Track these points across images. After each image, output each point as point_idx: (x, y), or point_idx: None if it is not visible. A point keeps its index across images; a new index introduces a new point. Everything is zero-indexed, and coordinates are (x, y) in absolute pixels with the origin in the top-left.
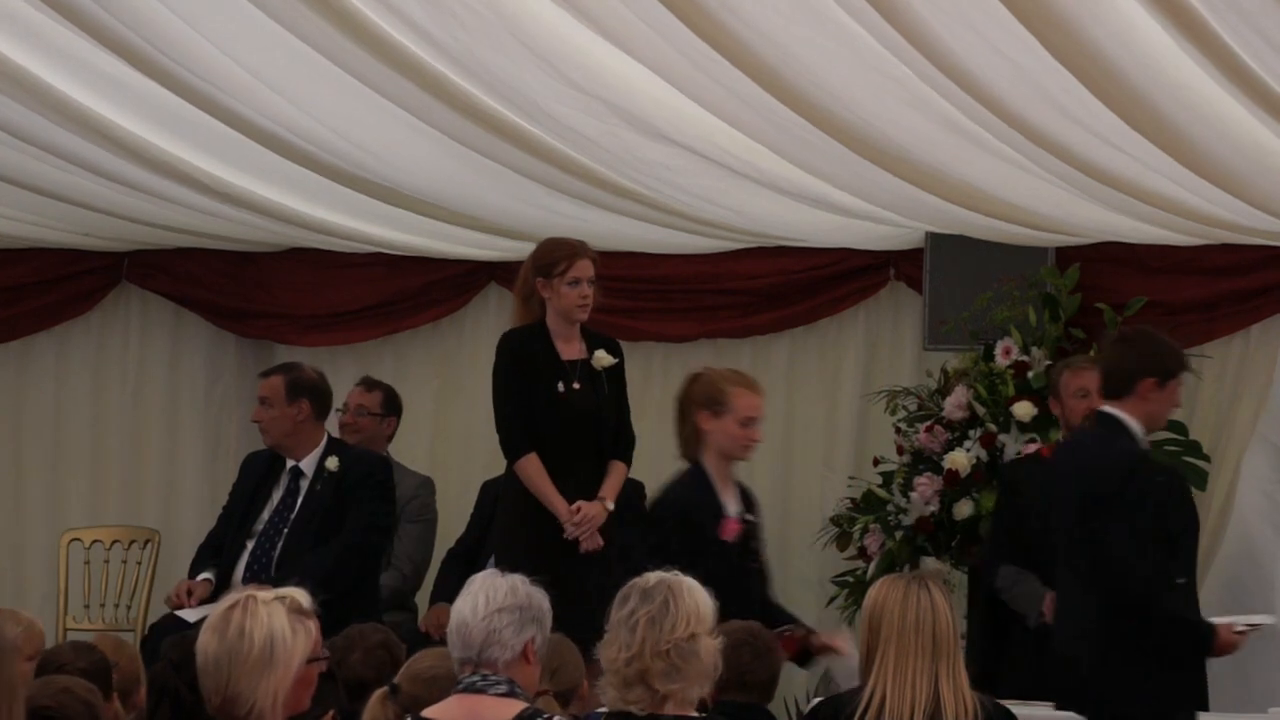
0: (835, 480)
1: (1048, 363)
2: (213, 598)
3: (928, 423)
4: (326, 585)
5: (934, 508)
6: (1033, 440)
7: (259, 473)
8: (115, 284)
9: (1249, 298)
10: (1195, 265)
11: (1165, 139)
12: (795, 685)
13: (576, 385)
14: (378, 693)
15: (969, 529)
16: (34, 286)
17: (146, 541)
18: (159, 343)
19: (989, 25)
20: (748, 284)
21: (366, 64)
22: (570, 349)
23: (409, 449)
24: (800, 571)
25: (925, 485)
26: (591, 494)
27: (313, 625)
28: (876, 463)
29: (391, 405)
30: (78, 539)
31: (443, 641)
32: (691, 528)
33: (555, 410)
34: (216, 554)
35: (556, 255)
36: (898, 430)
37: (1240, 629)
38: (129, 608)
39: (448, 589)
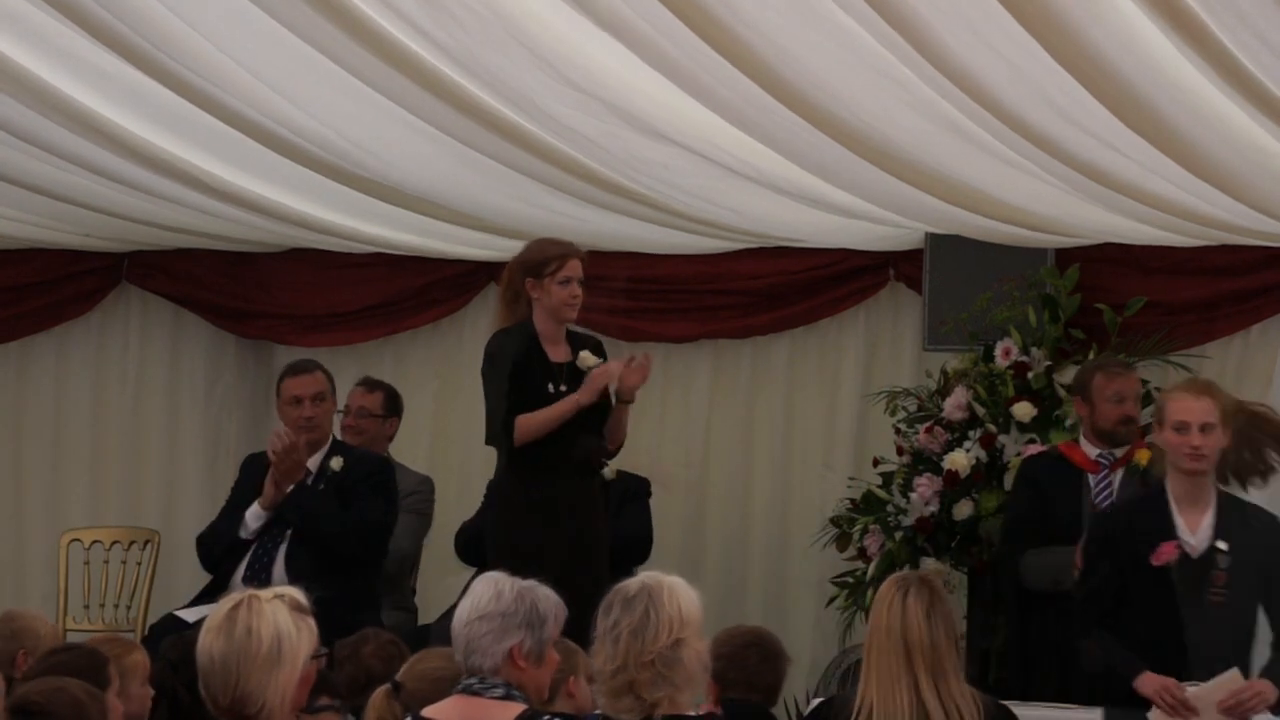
0: (835, 481)
1: (1047, 363)
2: (212, 599)
3: (927, 423)
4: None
5: (934, 508)
6: (1032, 441)
7: (260, 473)
8: (115, 284)
9: (1249, 298)
10: (1195, 266)
11: (1164, 140)
12: (795, 685)
13: (564, 387)
14: (381, 689)
15: (969, 530)
16: (34, 287)
17: (146, 542)
18: (159, 343)
19: (989, 26)
20: (748, 284)
21: (366, 63)
22: (557, 351)
23: (409, 449)
24: (800, 572)
25: (925, 486)
26: (580, 492)
27: (312, 622)
28: (876, 463)
29: (393, 405)
30: (77, 539)
31: None
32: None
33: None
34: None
35: (548, 254)
36: (897, 431)
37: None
38: (129, 608)
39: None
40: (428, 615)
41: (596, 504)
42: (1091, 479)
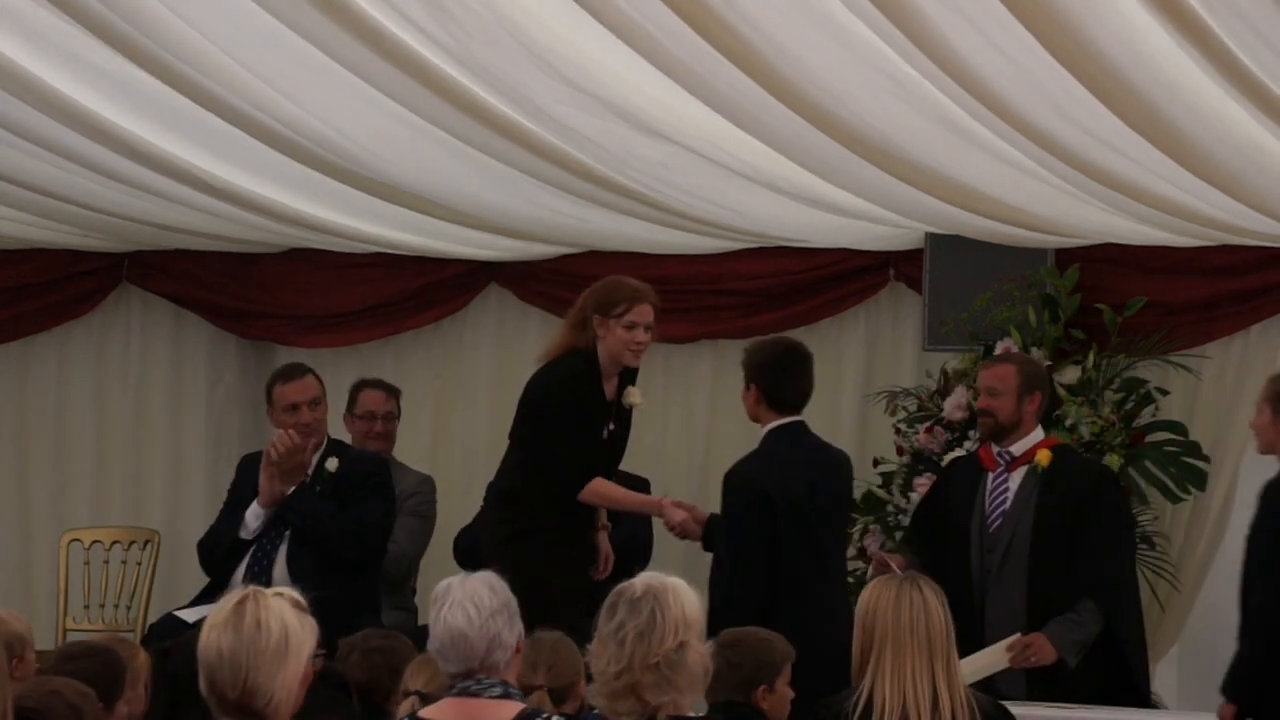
0: None
1: (1047, 363)
2: (212, 599)
3: (927, 423)
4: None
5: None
6: None
7: (258, 474)
8: (116, 284)
9: (1249, 298)
10: (1195, 266)
11: (1165, 140)
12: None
13: (613, 427)
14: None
15: None
16: (35, 287)
17: (146, 542)
18: (160, 343)
19: (990, 25)
20: (748, 284)
21: (367, 61)
22: (609, 387)
23: (409, 449)
24: None
25: (925, 486)
26: (594, 512)
27: (313, 620)
28: (876, 463)
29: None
30: (78, 539)
31: None
32: None
33: (598, 455)
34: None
35: (618, 295)
36: (897, 431)
37: None
38: (129, 608)
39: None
40: (428, 615)
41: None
42: (990, 477)
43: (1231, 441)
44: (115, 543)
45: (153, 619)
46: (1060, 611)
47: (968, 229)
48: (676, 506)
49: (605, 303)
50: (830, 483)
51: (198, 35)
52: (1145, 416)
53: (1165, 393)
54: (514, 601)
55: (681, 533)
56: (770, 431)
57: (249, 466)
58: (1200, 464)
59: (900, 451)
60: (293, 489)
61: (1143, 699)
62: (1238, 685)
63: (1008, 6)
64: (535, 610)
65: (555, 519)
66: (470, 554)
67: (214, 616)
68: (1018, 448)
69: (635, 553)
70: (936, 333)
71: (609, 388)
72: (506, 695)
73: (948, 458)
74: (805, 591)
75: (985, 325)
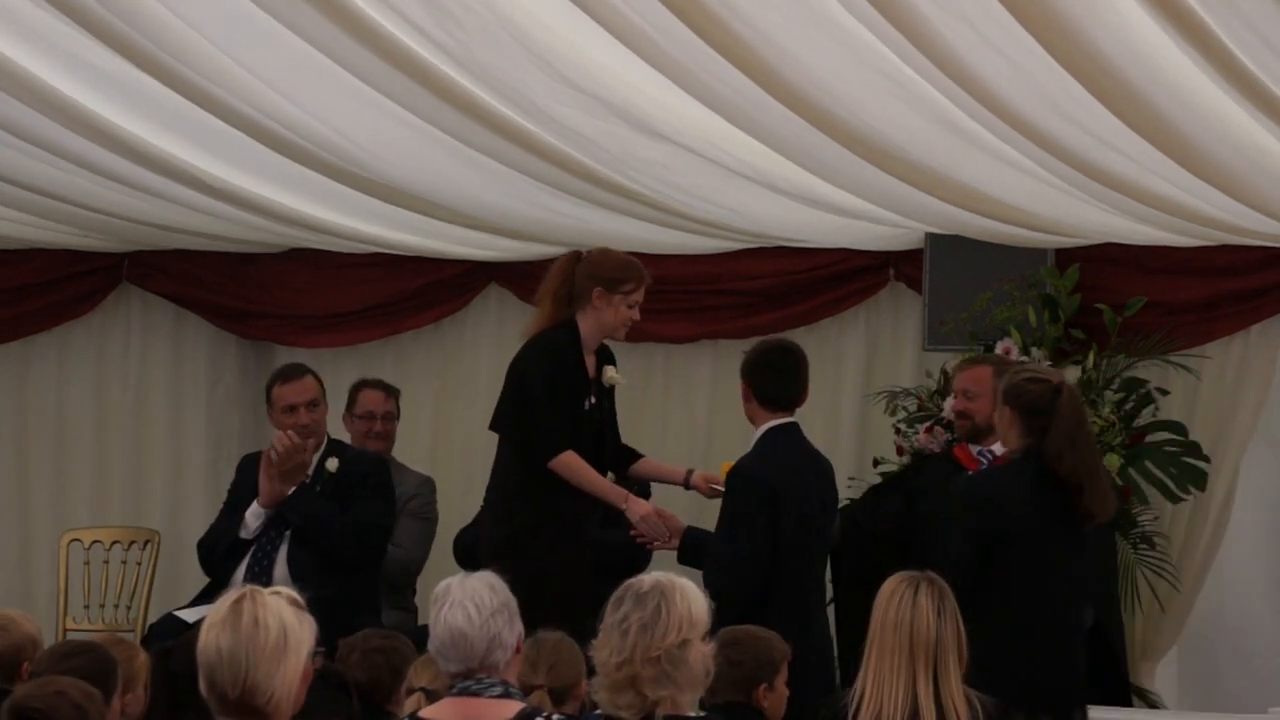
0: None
1: (1048, 363)
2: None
3: (927, 423)
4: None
5: None
6: None
7: (257, 474)
8: (116, 285)
9: (1249, 298)
10: (1195, 265)
11: (1164, 140)
12: None
13: (593, 400)
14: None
15: None
16: (35, 287)
17: (146, 542)
18: (160, 344)
19: (989, 25)
20: (748, 284)
21: (366, 62)
22: (590, 363)
23: (409, 449)
24: None
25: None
26: (589, 502)
27: (311, 619)
28: (876, 463)
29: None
30: (77, 539)
31: None
32: None
33: (579, 426)
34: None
35: (627, 274)
36: (897, 431)
37: None
38: (129, 608)
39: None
40: (428, 615)
41: (597, 509)
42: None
43: (1231, 441)
44: (115, 543)
45: (153, 619)
46: None
47: (968, 229)
48: (646, 507)
49: (611, 279)
50: (825, 489)
51: (197, 36)
52: (1145, 416)
53: (1165, 393)
54: (514, 601)
55: (646, 535)
56: (767, 432)
57: (249, 466)
58: (1200, 464)
59: (900, 451)
60: (293, 490)
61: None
62: None
63: (1006, 7)
64: (536, 610)
65: (552, 513)
66: (470, 554)
67: (212, 616)
68: (999, 447)
69: (636, 554)
70: (936, 333)
71: (590, 363)
72: (506, 695)
73: None
74: (795, 591)
75: (985, 325)
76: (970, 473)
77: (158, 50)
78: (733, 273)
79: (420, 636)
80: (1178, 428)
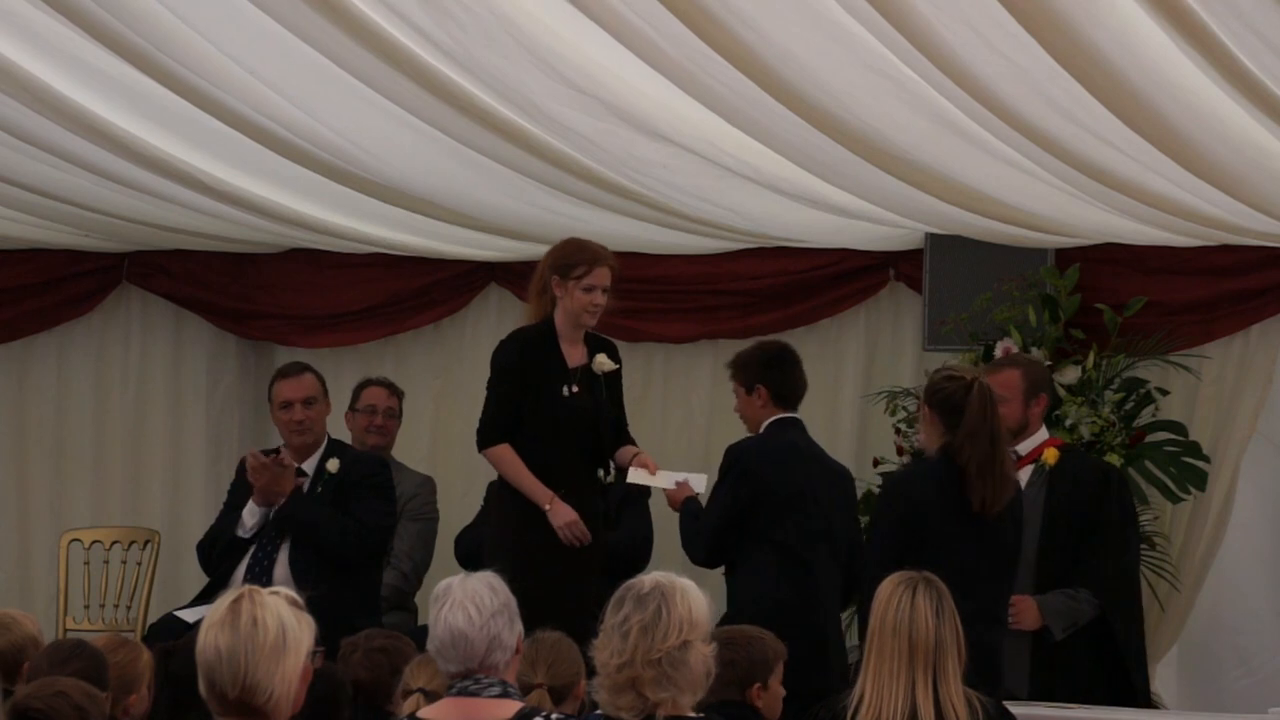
0: None
1: (1048, 363)
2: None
3: None
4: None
5: None
6: None
7: None
8: (115, 285)
9: (1249, 298)
10: (1195, 265)
11: (1164, 140)
12: None
13: (576, 389)
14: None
15: None
16: (34, 287)
17: (146, 542)
18: (160, 344)
19: (989, 26)
20: (748, 284)
21: (366, 63)
22: (575, 353)
23: (409, 449)
24: None
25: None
26: (586, 498)
27: (310, 618)
28: (876, 463)
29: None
30: (77, 539)
31: None
32: None
33: (557, 413)
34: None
35: (577, 258)
36: (897, 431)
37: None
38: (129, 608)
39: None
40: (428, 615)
41: (596, 507)
42: None
43: (1231, 441)
44: (115, 543)
45: (153, 619)
46: None
47: (968, 229)
48: (568, 515)
49: (563, 265)
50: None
51: (197, 37)
52: (1145, 416)
53: (1165, 393)
54: (514, 602)
55: (568, 536)
56: (774, 423)
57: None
58: (1200, 464)
59: (900, 451)
60: (291, 495)
61: (1140, 697)
62: None
63: (1006, 7)
64: (535, 609)
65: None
66: (470, 559)
67: (211, 616)
68: (1023, 447)
69: (636, 554)
70: (936, 333)
71: (574, 352)
72: (505, 694)
73: None
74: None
75: (985, 325)
76: (893, 471)
77: (157, 52)
78: (733, 273)
79: (420, 637)
80: (1178, 428)
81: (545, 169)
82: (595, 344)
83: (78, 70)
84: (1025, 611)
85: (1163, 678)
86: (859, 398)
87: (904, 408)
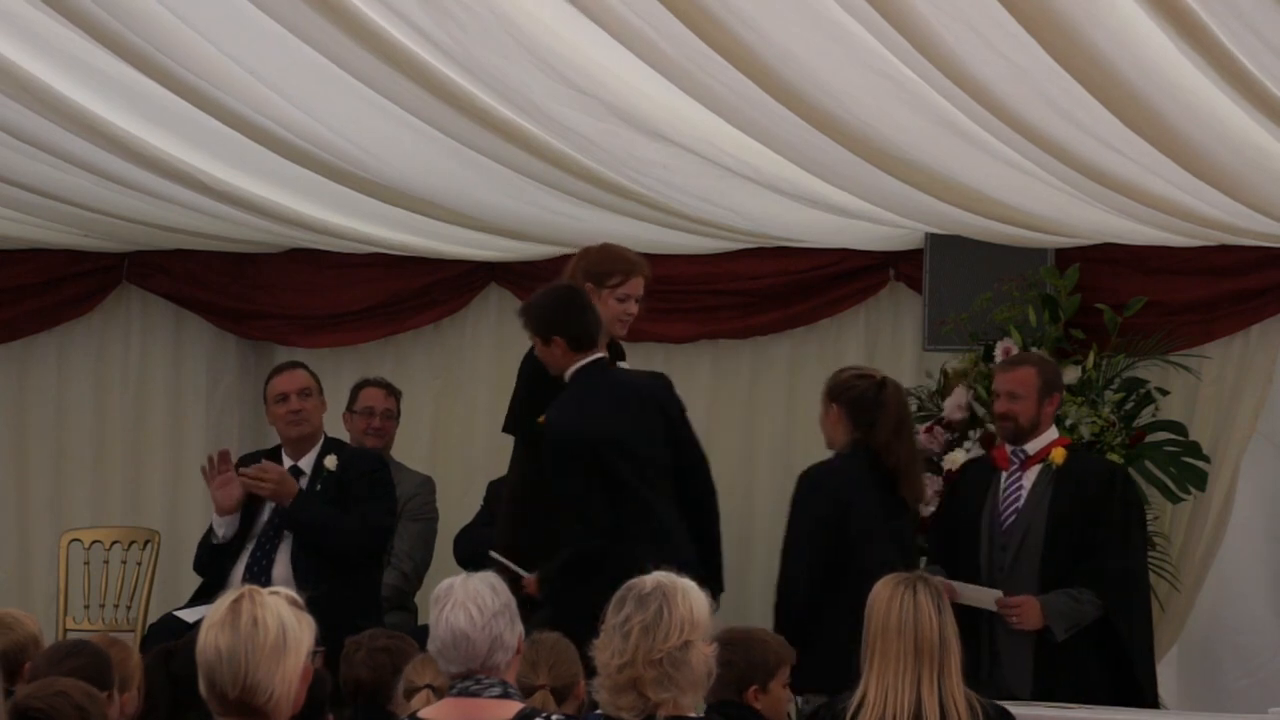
0: None
1: None
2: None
3: (928, 423)
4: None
5: (934, 508)
6: None
7: None
8: (115, 285)
9: (1249, 298)
10: (1195, 266)
11: (1164, 141)
12: None
13: None
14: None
15: None
16: (34, 287)
17: (146, 542)
18: (160, 344)
19: (989, 27)
20: (748, 284)
21: (366, 63)
22: None
23: (409, 449)
24: None
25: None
26: None
27: (309, 618)
28: None
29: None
30: (77, 539)
31: None
32: None
33: None
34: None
35: (614, 266)
36: None
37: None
38: (129, 608)
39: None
40: (428, 615)
41: None
42: (1002, 477)
43: (1231, 441)
44: (115, 543)
45: (153, 619)
46: None
47: (968, 229)
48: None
49: (600, 273)
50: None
51: (197, 37)
52: (1145, 416)
53: (1165, 393)
54: (514, 603)
55: None
56: (578, 371)
57: (246, 466)
58: (1200, 464)
59: None
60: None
61: (1147, 698)
62: None
63: (1006, 8)
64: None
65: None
66: (470, 563)
67: (211, 616)
68: (1032, 446)
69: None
70: (936, 333)
71: None
72: (506, 695)
73: (948, 458)
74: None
75: (985, 325)
76: (809, 467)
77: (157, 52)
78: (733, 273)
79: (421, 636)
80: (1178, 428)
81: (545, 169)
82: (613, 351)
83: (78, 70)
84: (1028, 611)
85: (1163, 678)
86: None
87: None
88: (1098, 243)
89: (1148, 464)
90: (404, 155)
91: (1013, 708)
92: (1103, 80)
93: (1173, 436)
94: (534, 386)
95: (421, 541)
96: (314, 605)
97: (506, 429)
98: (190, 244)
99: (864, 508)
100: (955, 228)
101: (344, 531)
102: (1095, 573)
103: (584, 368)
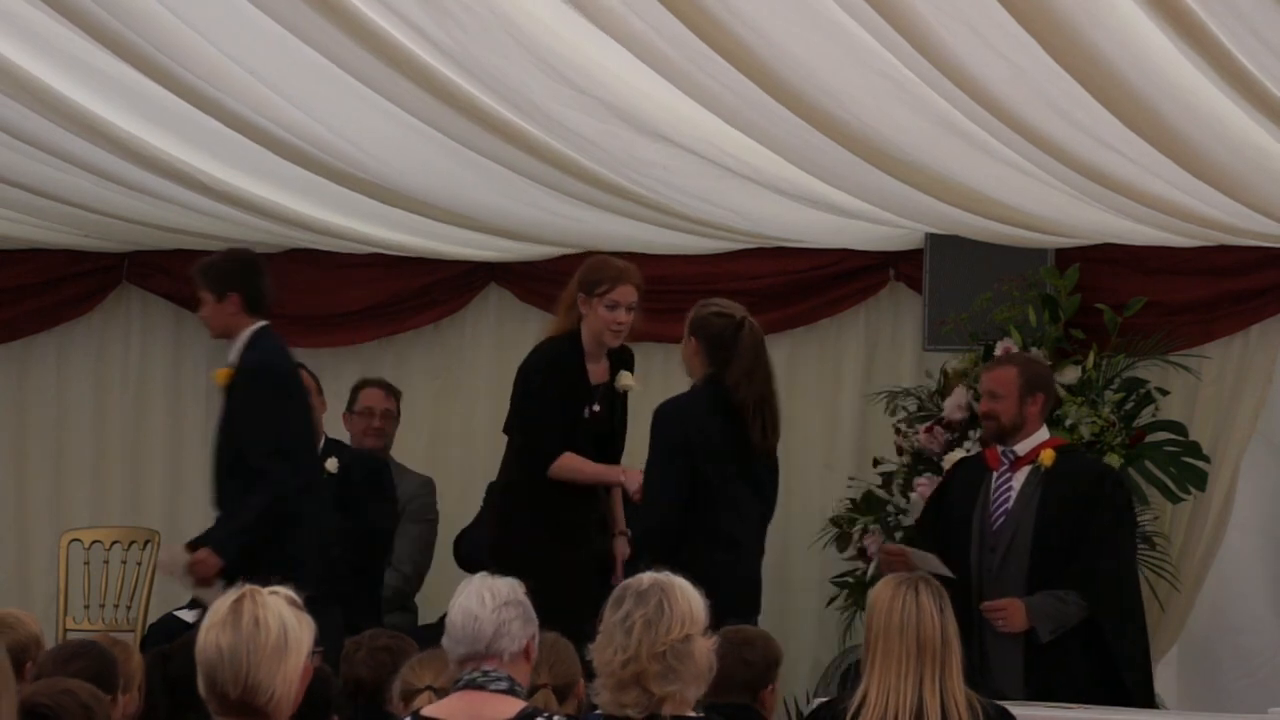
0: (835, 480)
1: (1048, 363)
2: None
3: (927, 423)
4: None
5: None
6: None
7: None
8: (115, 285)
9: (1249, 298)
10: (1195, 266)
11: (1164, 141)
12: (796, 685)
13: (597, 408)
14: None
15: None
16: (34, 287)
17: (146, 542)
18: (160, 343)
19: (989, 27)
20: (748, 284)
21: (366, 64)
22: (597, 370)
23: (409, 449)
24: (800, 572)
25: (925, 486)
26: (598, 513)
27: (309, 617)
28: (876, 463)
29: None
30: (77, 539)
31: None
32: None
33: (578, 434)
34: None
35: (601, 275)
36: (897, 431)
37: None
38: (129, 608)
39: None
40: (428, 616)
41: (595, 514)
42: (993, 477)
43: (1231, 441)
44: (115, 543)
45: (153, 619)
46: None
47: (968, 229)
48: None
49: (588, 281)
50: None
51: (197, 38)
52: (1145, 416)
53: (1165, 393)
54: (531, 609)
55: (635, 488)
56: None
57: None
58: (1200, 464)
59: (900, 451)
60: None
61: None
62: None
63: (1006, 8)
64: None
65: (555, 517)
66: (471, 563)
67: (211, 616)
68: (1022, 447)
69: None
70: (936, 333)
71: (597, 369)
72: (511, 691)
73: (948, 458)
74: None
75: (985, 325)
76: (663, 401)
77: (157, 52)
78: (733, 273)
79: (421, 637)
80: (1178, 428)
81: (545, 170)
82: (616, 355)
83: (78, 70)
84: (1013, 613)
85: (1163, 678)
86: (859, 398)
87: (904, 408)
88: (1098, 243)
89: (1148, 464)
90: (404, 156)
91: (1012, 708)
92: (1103, 80)
93: (1173, 436)
94: (553, 376)
95: (422, 543)
96: (311, 605)
97: (507, 429)
98: (190, 244)
99: (706, 438)
100: (955, 228)
101: (343, 536)
102: (1082, 575)
103: (262, 330)
